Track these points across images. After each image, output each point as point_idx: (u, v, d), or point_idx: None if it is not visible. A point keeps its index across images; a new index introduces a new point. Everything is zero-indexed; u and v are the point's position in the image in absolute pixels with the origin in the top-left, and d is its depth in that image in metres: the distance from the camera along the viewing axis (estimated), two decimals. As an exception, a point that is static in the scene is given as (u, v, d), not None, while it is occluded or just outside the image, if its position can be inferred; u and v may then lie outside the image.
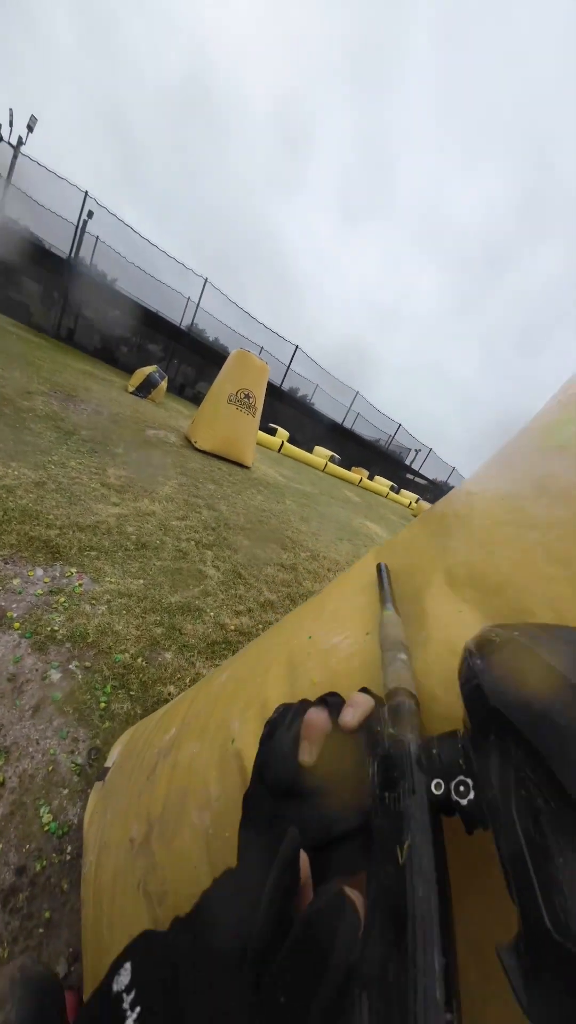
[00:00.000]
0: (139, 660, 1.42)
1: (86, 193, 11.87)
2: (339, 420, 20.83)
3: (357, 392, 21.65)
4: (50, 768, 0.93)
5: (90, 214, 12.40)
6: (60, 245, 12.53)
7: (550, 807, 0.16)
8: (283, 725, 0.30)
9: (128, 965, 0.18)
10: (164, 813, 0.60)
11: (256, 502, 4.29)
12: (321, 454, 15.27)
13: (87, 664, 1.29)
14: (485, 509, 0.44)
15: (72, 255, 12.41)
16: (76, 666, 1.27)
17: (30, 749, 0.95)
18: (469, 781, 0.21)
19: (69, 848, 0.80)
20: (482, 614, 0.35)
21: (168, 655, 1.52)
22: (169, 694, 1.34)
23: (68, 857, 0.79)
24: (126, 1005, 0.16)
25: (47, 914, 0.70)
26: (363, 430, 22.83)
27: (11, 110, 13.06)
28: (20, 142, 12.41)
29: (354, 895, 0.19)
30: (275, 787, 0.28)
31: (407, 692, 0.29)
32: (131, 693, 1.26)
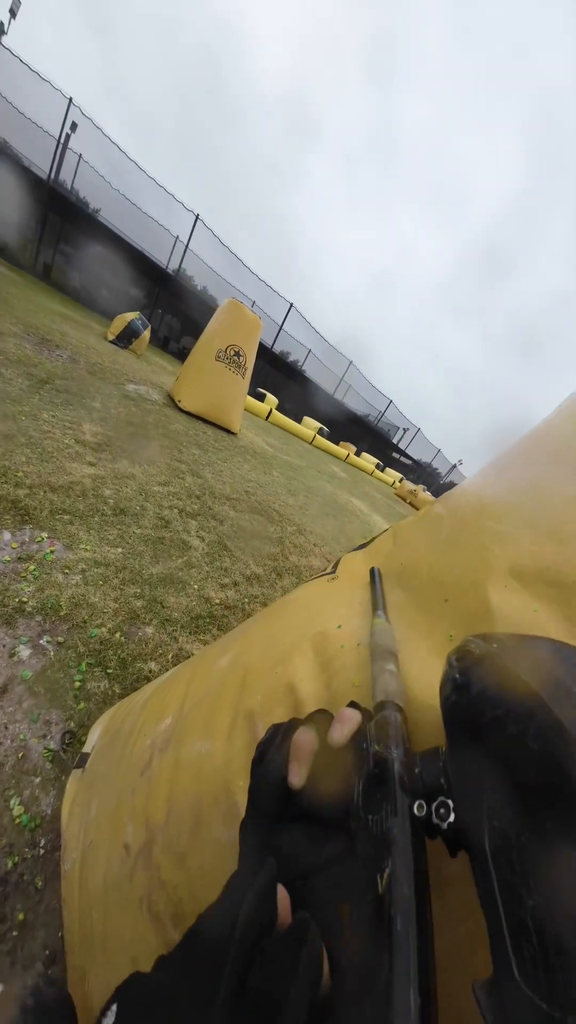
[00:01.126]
0: (117, 635, 1.34)
1: (70, 100, 10.00)
2: (330, 390, 20.26)
3: (351, 362, 20.96)
4: (20, 755, 0.86)
5: (73, 126, 10.56)
6: (39, 162, 10.71)
7: (521, 841, 0.15)
8: (273, 746, 0.30)
9: (115, 1007, 0.19)
10: (171, 822, 0.54)
11: (243, 471, 4.14)
12: (310, 425, 14.93)
13: (60, 639, 1.20)
14: (544, 493, 0.39)
15: (52, 176, 10.73)
16: (48, 641, 1.17)
17: (-3, 734, 0.87)
18: (449, 803, 0.20)
19: (43, 841, 0.75)
20: (561, 615, 0.31)
21: (149, 630, 1.45)
22: (150, 671, 1.28)
23: (42, 851, 0.74)
24: None
25: (21, 916, 0.66)
26: (354, 403, 22.36)
27: None
28: (0, 29, 10.15)
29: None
30: (266, 812, 0.27)
31: (394, 705, 0.28)
32: (108, 671, 1.19)
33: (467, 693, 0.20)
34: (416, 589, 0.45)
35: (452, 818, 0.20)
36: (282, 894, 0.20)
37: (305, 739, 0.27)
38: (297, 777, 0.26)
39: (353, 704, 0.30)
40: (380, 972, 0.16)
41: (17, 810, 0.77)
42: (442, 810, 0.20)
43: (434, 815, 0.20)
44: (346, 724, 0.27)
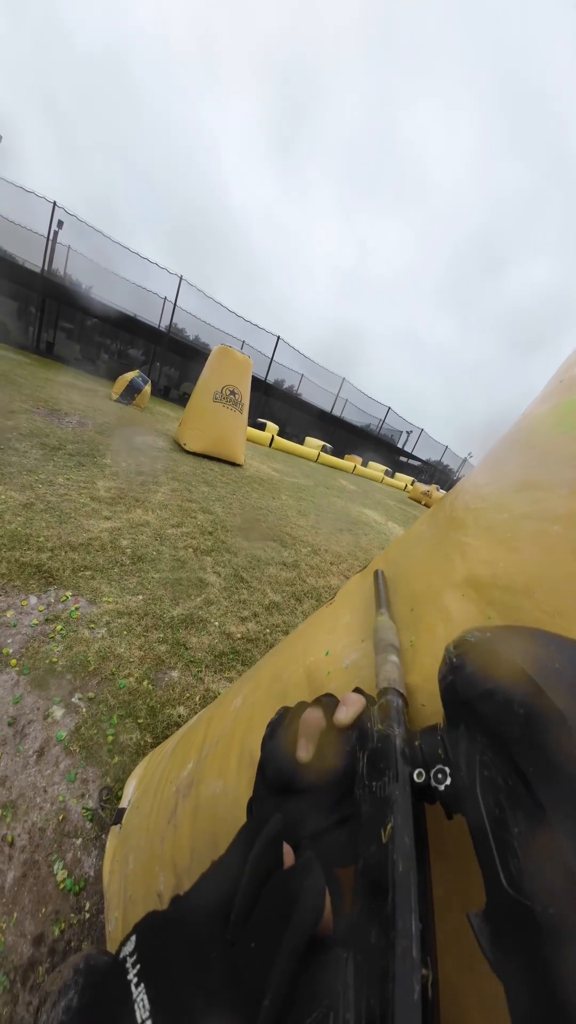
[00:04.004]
0: (145, 683, 1.36)
1: (54, 204, 11.49)
2: (328, 408, 20.63)
3: (344, 379, 21.42)
4: (60, 817, 0.87)
5: (60, 224, 12.02)
6: (32, 258, 12.15)
7: (508, 785, 0.18)
8: (282, 725, 0.32)
9: (133, 937, 0.21)
10: (193, 865, 0.55)
11: (252, 500, 4.22)
12: (313, 445, 15.13)
13: (90, 695, 1.23)
14: (502, 501, 0.41)
15: (45, 268, 12.05)
16: (79, 698, 1.21)
17: (37, 799, 0.89)
18: (446, 769, 0.23)
19: (88, 905, 0.75)
20: (512, 619, 0.32)
21: (175, 674, 1.46)
22: (179, 716, 1.28)
23: (87, 915, 0.73)
24: (128, 964, 0.19)
25: (68, 986, 0.65)
26: (353, 416, 22.62)
27: None
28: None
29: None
30: (274, 784, 0.29)
31: (396, 691, 0.31)
32: (139, 721, 1.21)
33: (462, 672, 0.22)
34: (393, 602, 0.47)
35: (449, 782, 0.22)
36: (287, 848, 0.22)
37: (313, 717, 0.29)
38: (305, 751, 0.28)
39: (357, 690, 0.32)
40: (384, 907, 0.19)
41: (61, 875, 0.77)
42: (439, 775, 0.23)
43: (432, 779, 0.23)
44: (351, 706, 0.29)
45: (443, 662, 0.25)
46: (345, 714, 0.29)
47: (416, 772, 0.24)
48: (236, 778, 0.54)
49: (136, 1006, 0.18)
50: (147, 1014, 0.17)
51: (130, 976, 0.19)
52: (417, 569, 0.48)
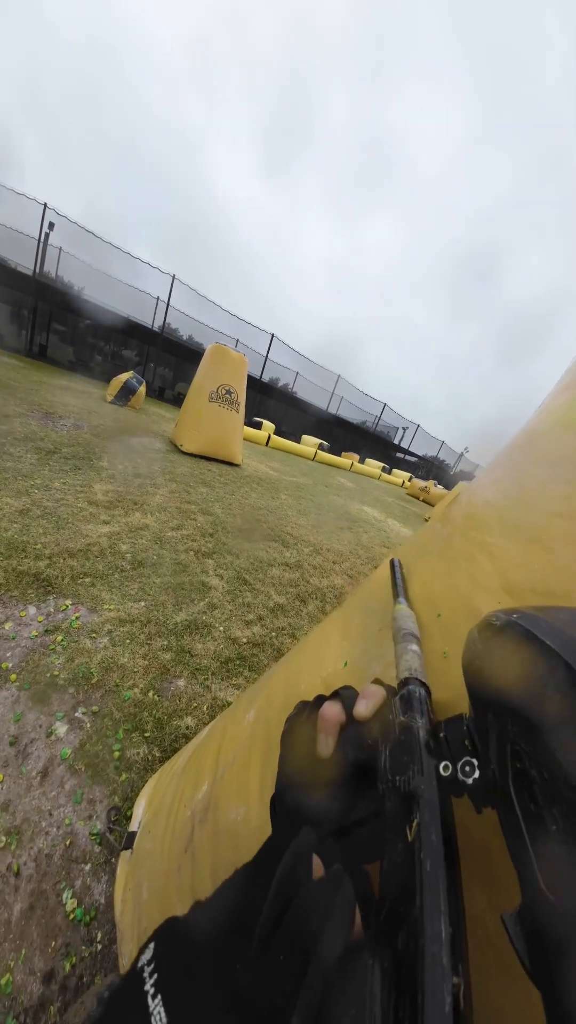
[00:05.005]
0: (150, 694, 1.32)
1: (45, 205, 11.34)
2: (323, 406, 20.59)
3: (339, 376, 21.38)
4: (68, 842, 0.83)
5: (51, 226, 11.87)
6: (23, 261, 12.01)
7: (543, 777, 0.17)
8: (300, 720, 0.31)
9: (152, 944, 0.20)
10: None
11: (251, 500, 4.18)
12: (309, 443, 15.10)
13: (94, 709, 1.19)
14: (528, 498, 0.39)
15: (37, 270, 11.92)
16: (83, 713, 1.16)
17: (43, 824, 0.85)
18: (474, 761, 0.22)
19: (99, 935, 0.71)
20: None
21: (181, 683, 1.42)
22: (187, 727, 1.24)
23: (99, 946, 0.70)
24: (146, 975, 0.19)
25: (81, 1026, 0.61)
26: (349, 413, 22.59)
27: None
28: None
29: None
30: (296, 781, 0.29)
31: (417, 680, 0.29)
32: (146, 734, 1.17)
33: (489, 658, 0.21)
34: (411, 599, 0.44)
35: (477, 775, 0.21)
36: (316, 861, 0.22)
37: (331, 712, 0.28)
38: (324, 747, 0.27)
39: (377, 681, 0.31)
40: (411, 910, 0.17)
41: (70, 904, 0.73)
42: (467, 768, 0.22)
43: (459, 773, 0.22)
44: (371, 699, 0.28)
45: (466, 647, 0.23)
46: (365, 707, 0.28)
47: (442, 765, 0.22)
48: (259, 803, 0.51)
49: (153, 1019, 0.17)
50: None
51: (147, 987, 0.18)
52: (434, 569, 0.45)
